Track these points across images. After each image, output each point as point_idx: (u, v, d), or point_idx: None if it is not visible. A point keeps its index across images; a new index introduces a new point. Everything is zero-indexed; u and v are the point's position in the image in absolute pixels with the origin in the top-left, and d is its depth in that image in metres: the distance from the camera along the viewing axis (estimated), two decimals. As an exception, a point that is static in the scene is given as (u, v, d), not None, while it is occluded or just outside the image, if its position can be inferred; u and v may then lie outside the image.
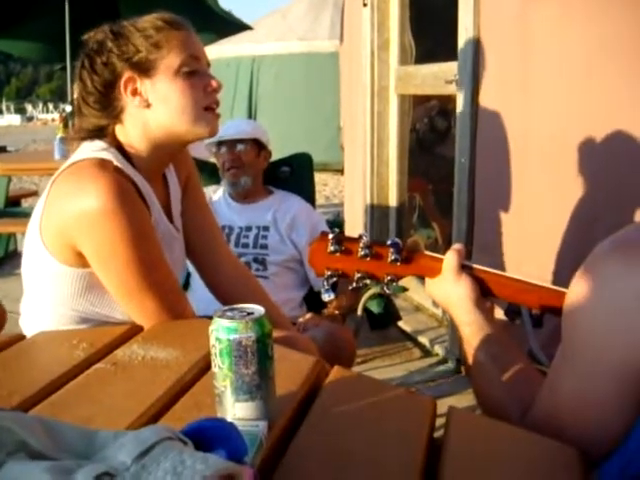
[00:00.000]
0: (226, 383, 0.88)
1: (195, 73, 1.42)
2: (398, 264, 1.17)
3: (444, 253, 1.20)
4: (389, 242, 1.18)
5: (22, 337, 1.30)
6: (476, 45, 2.85)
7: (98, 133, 1.45)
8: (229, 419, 0.87)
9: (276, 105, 9.95)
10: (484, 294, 1.18)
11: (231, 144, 2.49)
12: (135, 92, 1.40)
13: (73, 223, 1.31)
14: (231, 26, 5.53)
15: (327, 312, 2.30)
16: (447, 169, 3.46)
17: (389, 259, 1.17)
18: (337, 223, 4.37)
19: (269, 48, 10.24)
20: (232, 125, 2.58)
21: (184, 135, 1.45)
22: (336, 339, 1.89)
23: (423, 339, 3.51)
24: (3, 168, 4.68)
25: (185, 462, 0.54)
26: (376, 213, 4.04)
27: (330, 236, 1.18)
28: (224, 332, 0.86)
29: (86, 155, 1.39)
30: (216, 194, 2.59)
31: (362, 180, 4.09)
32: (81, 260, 1.35)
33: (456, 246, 1.21)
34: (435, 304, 3.64)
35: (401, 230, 4.02)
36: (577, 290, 0.94)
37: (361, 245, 1.17)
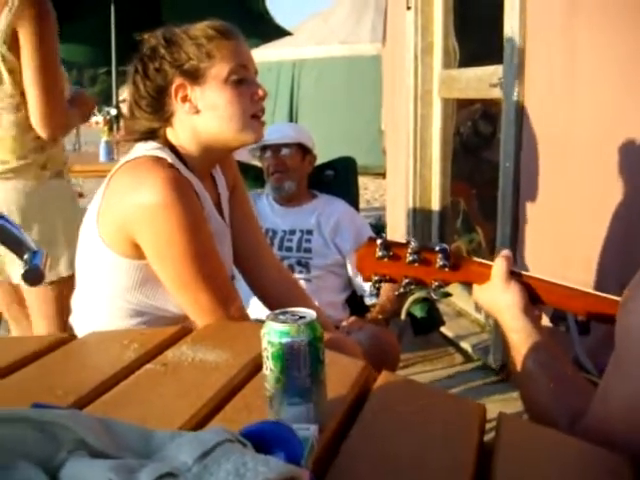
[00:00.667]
0: (278, 386, 0.88)
1: (243, 81, 1.45)
2: (446, 270, 1.17)
3: (488, 257, 1.20)
4: (437, 248, 1.18)
5: (73, 337, 1.32)
6: (522, 47, 2.82)
7: (150, 135, 1.49)
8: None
9: (317, 109, 9.96)
10: (531, 301, 1.17)
11: (276, 148, 2.49)
12: (185, 98, 1.44)
13: (131, 215, 1.36)
14: (273, 31, 5.56)
15: (370, 316, 2.30)
16: (491, 173, 3.43)
17: (437, 265, 1.17)
18: (378, 227, 4.37)
19: (310, 52, 10.27)
20: (277, 129, 2.58)
21: (231, 141, 1.48)
22: (381, 343, 1.89)
23: (465, 345, 3.48)
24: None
25: (247, 464, 0.54)
26: (418, 217, 4.02)
27: (378, 241, 1.18)
28: (276, 335, 0.87)
29: (141, 153, 1.44)
30: (260, 197, 2.61)
31: (405, 183, 4.08)
32: (138, 252, 1.39)
33: (504, 252, 1.20)
34: (478, 309, 3.61)
35: (444, 234, 4.00)
36: (629, 299, 0.93)
37: (409, 250, 1.17)
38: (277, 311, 0.91)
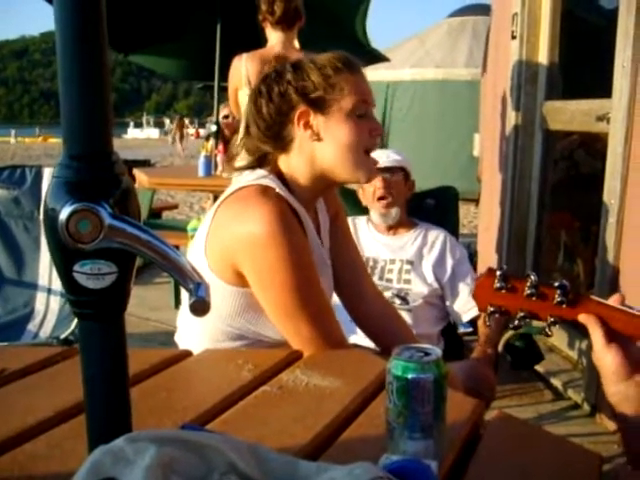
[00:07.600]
0: (400, 420, 0.90)
1: (363, 116, 1.48)
2: (564, 306, 1.16)
3: (586, 291, 1.18)
4: (557, 284, 1.17)
5: (189, 353, 1.36)
6: (633, 82, 2.77)
7: (260, 161, 1.52)
8: (399, 455, 0.89)
9: (408, 131, 9.96)
10: None
11: (384, 172, 2.45)
12: (307, 125, 1.47)
13: (237, 245, 1.38)
14: (373, 57, 5.65)
15: (478, 350, 2.20)
16: (585, 206, 3.34)
17: (555, 301, 1.16)
18: (468, 254, 4.32)
19: (405, 74, 10.28)
20: (383, 153, 2.54)
21: (343, 176, 1.50)
22: (477, 379, 1.85)
23: (556, 381, 3.40)
24: (150, 182, 4.90)
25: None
26: (512, 248, 3.96)
27: (497, 273, 1.18)
28: (403, 371, 0.88)
29: (249, 182, 1.46)
30: (361, 224, 2.60)
31: (499, 213, 4.03)
32: (241, 280, 1.42)
33: (616, 297, 1.18)
34: (571, 346, 3.53)
35: (538, 267, 3.92)
36: None
37: (528, 284, 1.17)
38: (402, 346, 0.93)
